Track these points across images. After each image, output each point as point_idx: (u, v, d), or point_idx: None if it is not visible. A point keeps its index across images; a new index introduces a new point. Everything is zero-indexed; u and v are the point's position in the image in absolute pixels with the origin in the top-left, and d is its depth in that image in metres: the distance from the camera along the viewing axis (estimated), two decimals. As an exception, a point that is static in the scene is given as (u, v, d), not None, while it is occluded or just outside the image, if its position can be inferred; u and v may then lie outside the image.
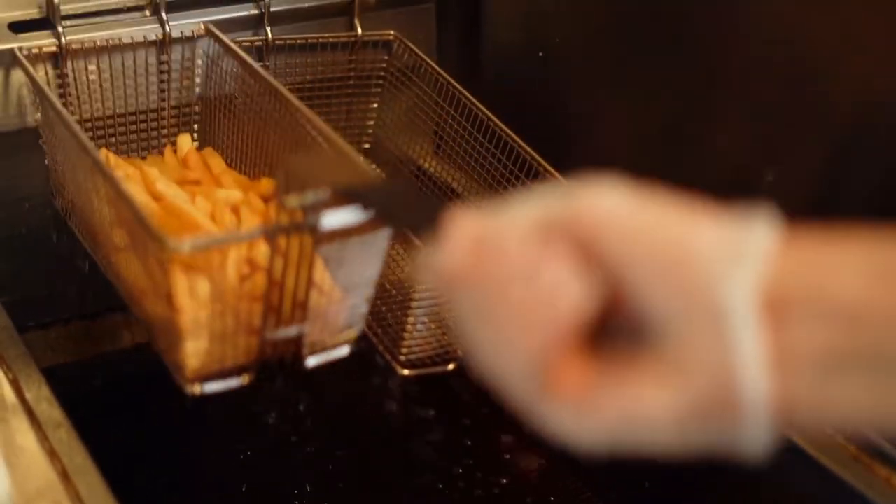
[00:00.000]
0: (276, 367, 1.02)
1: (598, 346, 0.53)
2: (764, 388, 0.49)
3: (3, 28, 1.25)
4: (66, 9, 1.26)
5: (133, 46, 1.28)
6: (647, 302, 0.51)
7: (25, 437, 1.03)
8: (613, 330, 0.53)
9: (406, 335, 1.13)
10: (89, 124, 1.29)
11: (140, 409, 1.40)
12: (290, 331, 0.99)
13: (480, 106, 1.29)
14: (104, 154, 1.24)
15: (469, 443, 1.39)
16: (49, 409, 1.07)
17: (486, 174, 1.29)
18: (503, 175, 1.26)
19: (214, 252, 0.98)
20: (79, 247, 1.34)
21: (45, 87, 1.17)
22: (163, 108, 1.33)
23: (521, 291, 0.51)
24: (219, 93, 1.30)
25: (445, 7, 1.50)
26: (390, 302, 1.15)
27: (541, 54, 1.39)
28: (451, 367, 1.16)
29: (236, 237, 1.02)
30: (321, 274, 0.98)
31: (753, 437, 0.50)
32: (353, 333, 1.05)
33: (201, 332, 0.97)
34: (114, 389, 1.43)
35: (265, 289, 0.95)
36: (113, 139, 1.31)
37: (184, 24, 1.31)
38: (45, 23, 1.27)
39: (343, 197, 0.79)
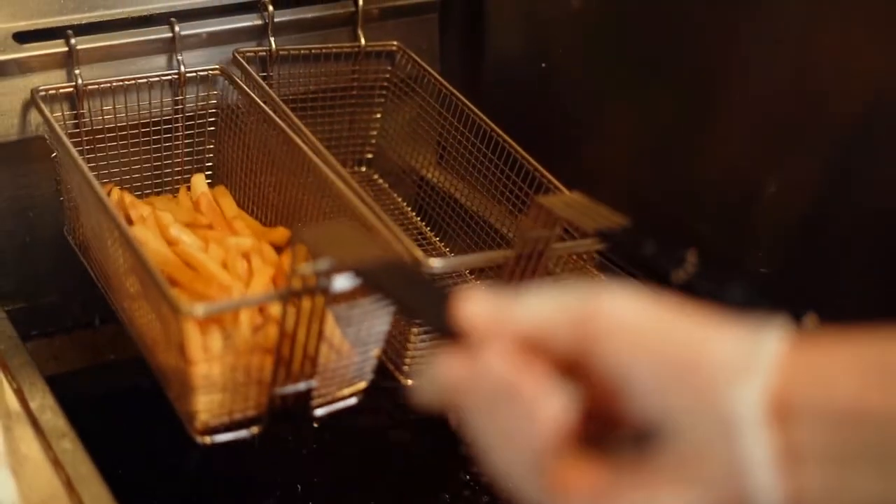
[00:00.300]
0: (285, 419, 1.03)
1: (606, 447, 0.54)
2: (774, 489, 0.50)
3: (9, 38, 1.26)
4: (82, 48, 1.27)
5: (149, 86, 1.30)
6: (657, 406, 0.52)
7: (30, 446, 1.03)
8: (620, 433, 0.54)
9: (409, 346, 1.13)
10: (104, 162, 1.30)
11: (144, 419, 1.40)
12: (300, 386, 1.01)
13: (483, 116, 1.29)
14: (119, 194, 1.26)
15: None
16: (53, 419, 1.08)
17: (488, 184, 1.29)
18: (505, 185, 1.26)
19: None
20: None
21: (62, 134, 1.17)
22: (177, 147, 1.34)
23: (504, 408, 0.54)
24: (233, 132, 1.32)
25: (448, 17, 1.50)
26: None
27: (543, 65, 1.39)
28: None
29: (249, 301, 1.03)
30: (332, 330, 1.00)
31: None
32: (361, 385, 1.07)
33: (213, 386, 0.99)
34: (116, 399, 1.43)
35: (276, 343, 0.97)
36: (127, 177, 1.32)
37: (191, 34, 1.32)
38: (49, 33, 1.27)
39: (351, 272, 0.83)
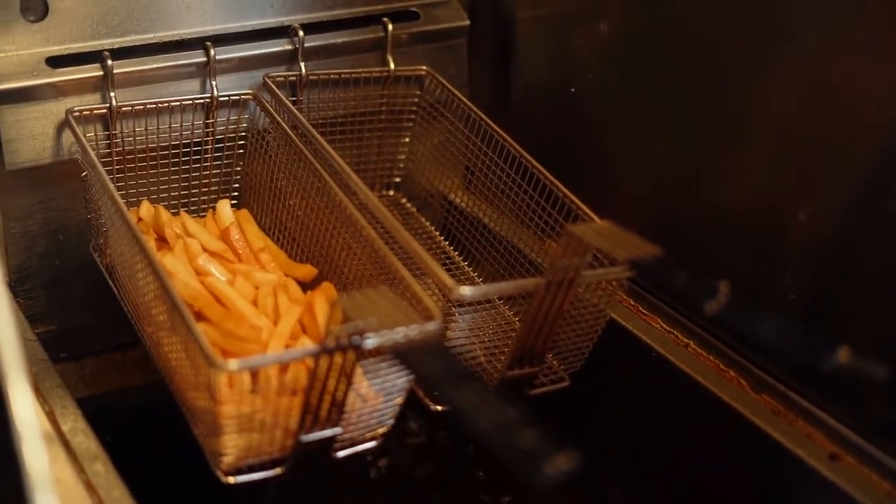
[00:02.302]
0: (308, 461, 1.05)
1: None
2: None
3: (42, 63, 1.27)
4: (118, 72, 1.29)
5: (181, 109, 1.31)
6: None
7: (63, 468, 1.04)
8: None
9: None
10: (133, 182, 1.32)
11: (172, 442, 1.40)
12: (326, 432, 1.03)
13: (511, 140, 1.30)
14: (153, 209, 1.27)
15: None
16: (85, 441, 1.08)
17: (516, 208, 1.29)
18: (533, 209, 1.27)
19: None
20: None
21: (93, 156, 1.19)
22: (206, 169, 1.35)
23: None
24: (261, 156, 1.33)
25: (477, 43, 1.50)
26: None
27: (572, 90, 1.40)
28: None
29: (283, 357, 1.03)
30: (360, 380, 1.01)
31: None
32: (382, 430, 1.09)
33: (240, 428, 0.99)
34: (144, 421, 1.44)
35: (305, 390, 0.99)
36: (155, 197, 1.33)
37: (222, 59, 1.33)
38: (81, 57, 1.28)
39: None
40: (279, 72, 1.36)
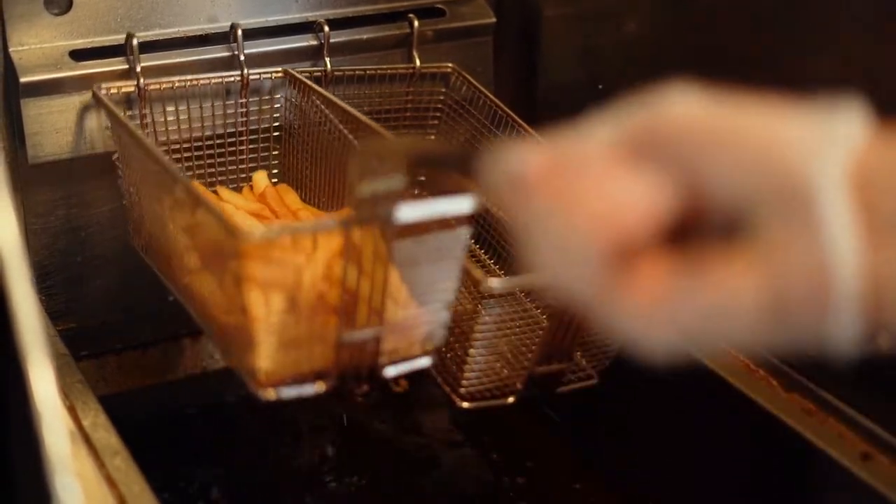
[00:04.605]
0: (354, 377, 1.00)
1: (679, 252, 0.52)
2: (855, 267, 0.48)
3: (65, 56, 1.26)
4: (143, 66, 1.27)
5: (211, 87, 1.30)
6: (733, 194, 0.50)
7: (83, 463, 1.03)
8: (695, 238, 0.52)
9: (466, 367, 1.11)
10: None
11: (193, 440, 1.40)
12: (366, 333, 0.97)
13: (538, 137, 1.28)
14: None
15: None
16: (106, 436, 1.07)
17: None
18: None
19: (289, 260, 0.97)
20: (131, 275, 1.34)
21: (122, 115, 1.17)
22: (241, 145, 1.34)
23: (595, 199, 0.51)
24: (297, 137, 1.31)
25: (503, 40, 1.49)
26: (450, 334, 1.13)
27: (600, 87, 1.38)
28: (510, 400, 1.15)
29: (306, 227, 1.00)
30: (396, 284, 0.97)
31: (843, 322, 0.49)
32: (432, 344, 1.03)
33: (274, 336, 0.96)
34: (164, 420, 1.43)
35: (341, 289, 0.94)
36: (188, 175, 1.31)
37: (247, 54, 1.32)
38: (105, 51, 1.28)
39: (420, 162, 0.78)
40: (304, 67, 1.35)
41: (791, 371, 1.18)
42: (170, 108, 1.28)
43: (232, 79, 1.30)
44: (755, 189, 0.50)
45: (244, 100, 1.31)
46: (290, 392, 0.99)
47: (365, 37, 1.41)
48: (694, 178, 0.51)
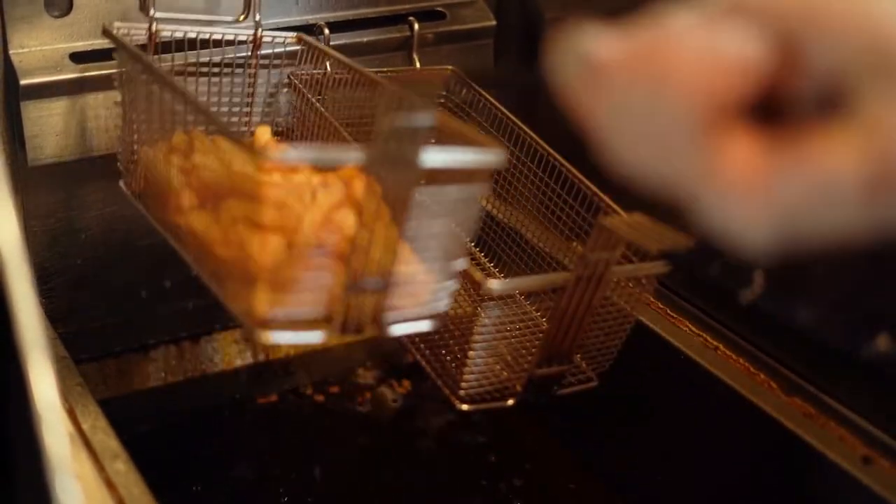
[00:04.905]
0: (355, 329, 0.95)
1: (774, 131, 0.49)
2: None
3: (65, 58, 1.26)
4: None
5: (222, 43, 1.28)
6: (833, 62, 0.47)
7: (83, 467, 1.03)
8: (789, 116, 0.49)
9: (466, 369, 1.11)
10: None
11: (193, 442, 1.40)
12: (370, 283, 0.92)
13: (539, 140, 1.28)
14: (187, 136, 1.17)
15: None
16: (106, 440, 1.07)
17: (544, 208, 1.28)
18: (562, 209, 1.25)
19: (294, 206, 0.95)
20: (132, 278, 1.34)
21: (128, 44, 1.15)
22: (247, 104, 1.33)
23: (683, 53, 0.48)
24: (308, 101, 1.30)
25: (503, 43, 1.49)
26: (449, 336, 1.14)
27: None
28: (510, 402, 1.15)
29: (331, 155, 0.94)
30: (407, 238, 0.93)
31: None
32: (437, 310, 0.99)
33: (272, 275, 0.92)
34: (164, 423, 1.43)
35: (352, 234, 0.91)
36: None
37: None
38: (105, 53, 1.27)
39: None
40: (304, 70, 1.35)
41: (791, 374, 1.18)
42: (179, 61, 1.26)
43: (245, 35, 1.29)
44: (859, 59, 0.47)
45: (255, 60, 1.30)
46: (287, 337, 0.94)
47: (365, 39, 1.41)
48: (792, 43, 0.48)
